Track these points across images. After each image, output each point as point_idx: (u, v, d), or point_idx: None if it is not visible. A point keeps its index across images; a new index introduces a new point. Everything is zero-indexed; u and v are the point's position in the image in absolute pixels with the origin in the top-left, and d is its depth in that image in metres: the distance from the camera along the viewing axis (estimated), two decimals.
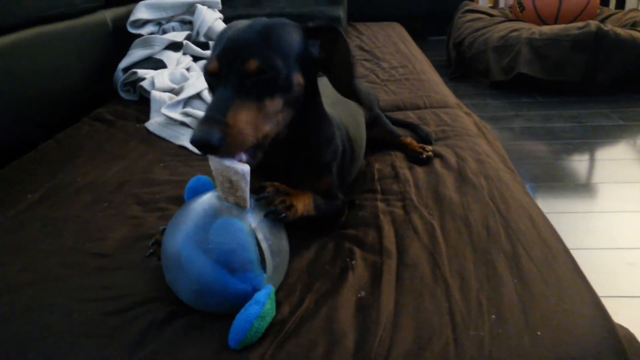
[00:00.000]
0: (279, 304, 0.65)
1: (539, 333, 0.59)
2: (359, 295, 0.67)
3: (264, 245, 0.63)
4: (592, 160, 1.89)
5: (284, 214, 0.68)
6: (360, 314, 0.63)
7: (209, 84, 0.68)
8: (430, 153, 1.10)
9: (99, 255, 0.79)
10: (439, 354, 0.57)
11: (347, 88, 0.75)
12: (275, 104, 0.66)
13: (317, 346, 0.58)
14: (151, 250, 0.71)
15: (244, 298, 0.61)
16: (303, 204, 0.73)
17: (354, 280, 0.69)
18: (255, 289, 0.61)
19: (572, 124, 2.18)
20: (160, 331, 0.62)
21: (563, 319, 0.62)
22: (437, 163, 1.06)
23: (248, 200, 0.64)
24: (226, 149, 0.59)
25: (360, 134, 1.03)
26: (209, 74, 0.66)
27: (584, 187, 1.66)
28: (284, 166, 0.78)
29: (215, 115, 0.59)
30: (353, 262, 0.73)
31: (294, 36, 0.69)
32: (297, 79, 0.69)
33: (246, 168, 0.61)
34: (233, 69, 0.63)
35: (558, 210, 1.51)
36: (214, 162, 0.62)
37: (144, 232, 0.85)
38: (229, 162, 0.60)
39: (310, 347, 0.58)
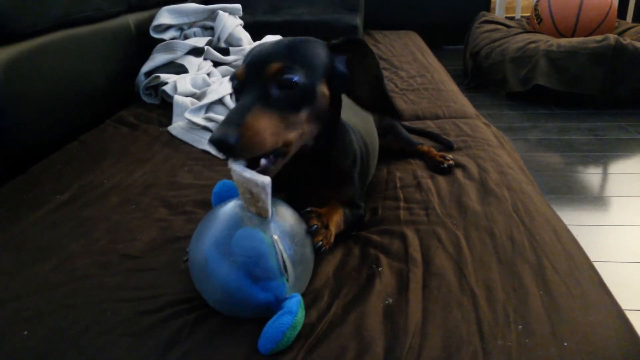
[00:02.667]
0: (306, 309, 0.66)
1: (565, 344, 0.60)
2: (386, 302, 0.68)
3: (285, 255, 0.64)
4: (609, 173, 1.89)
5: (324, 248, 0.72)
6: (389, 321, 0.64)
7: (235, 90, 0.70)
8: (451, 162, 1.10)
9: (130, 256, 0.80)
10: None
11: (376, 99, 0.75)
12: (299, 115, 0.67)
13: (347, 351, 0.59)
14: (187, 257, 0.73)
15: (266, 306, 0.63)
16: (336, 225, 0.76)
17: (381, 287, 0.70)
18: (278, 298, 0.63)
19: (588, 137, 2.18)
20: (193, 332, 0.63)
21: (589, 330, 0.63)
22: (459, 173, 1.07)
23: (269, 211, 0.65)
24: (242, 150, 0.60)
25: (372, 136, 1.04)
26: (236, 78, 0.68)
27: (600, 200, 1.67)
28: (305, 176, 0.80)
29: (234, 118, 0.61)
30: (379, 269, 0.74)
31: (318, 51, 0.71)
32: (322, 91, 0.70)
33: (266, 180, 0.62)
34: (258, 75, 0.66)
35: (576, 223, 1.51)
36: (235, 173, 0.63)
37: (172, 235, 0.87)
38: (249, 174, 0.62)
39: (341, 353, 0.59)
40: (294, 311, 0.61)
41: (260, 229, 0.64)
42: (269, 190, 0.63)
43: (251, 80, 0.66)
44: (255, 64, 0.67)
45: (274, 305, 0.63)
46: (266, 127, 0.63)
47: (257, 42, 1.79)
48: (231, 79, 0.70)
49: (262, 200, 0.64)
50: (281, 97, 0.65)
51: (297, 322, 0.61)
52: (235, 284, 0.62)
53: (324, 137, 0.75)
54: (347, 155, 0.83)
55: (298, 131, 0.68)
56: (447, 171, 1.08)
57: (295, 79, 0.66)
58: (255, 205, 0.65)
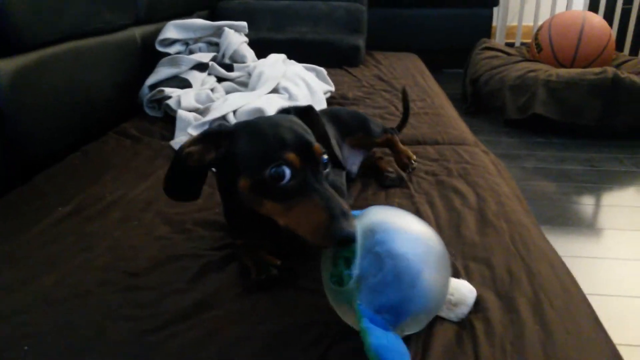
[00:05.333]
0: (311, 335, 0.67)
1: None
2: None
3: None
4: (604, 205, 1.91)
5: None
6: None
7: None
8: (393, 175, 1.18)
9: (131, 274, 0.81)
10: None
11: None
12: None
13: None
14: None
15: None
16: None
17: None
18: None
19: (585, 167, 2.21)
20: (196, 351, 0.64)
21: None
22: (457, 201, 1.08)
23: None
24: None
25: None
26: (291, 165, 0.68)
27: (594, 232, 1.68)
28: None
29: (342, 208, 0.64)
30: None
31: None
32: None
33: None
34: (309, 160, 0.69)
35: (571, 254, 1.52)
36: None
37: (173, 254, 0.87)
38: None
39: None
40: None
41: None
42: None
43: (305, 164, 0.69)
44: (304, 150, 0.69)
45: None
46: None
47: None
48: (280, 166, 0.67)
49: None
50: (327, 173, 0.72)
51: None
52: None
53: None
54: None
55: None
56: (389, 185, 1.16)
57: (325, 159, 0.72)
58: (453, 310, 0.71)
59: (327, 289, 0.67)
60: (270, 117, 0.78)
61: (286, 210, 0.68)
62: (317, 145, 0.71)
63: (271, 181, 0.67)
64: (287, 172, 0.67)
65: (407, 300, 0.61)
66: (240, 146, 0.72)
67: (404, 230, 0.65)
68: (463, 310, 0.71)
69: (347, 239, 0.61)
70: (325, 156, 0.72)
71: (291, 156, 0.67)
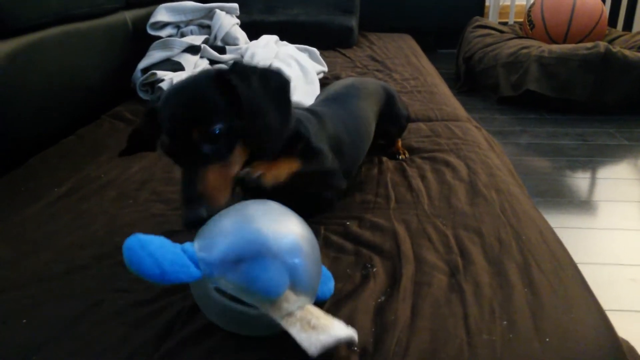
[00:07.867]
0: None
1: (547, 339, 0.63)
2: (379, 300, 0.70)
3: None
4: (596, 178, 1.92)
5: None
6: (379, 317, 0.66)
7: (167, 153, 0.70)
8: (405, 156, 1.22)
9: None
10: (454, 355, 0.60)
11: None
12: (235, 150, 0.69)
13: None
14: None
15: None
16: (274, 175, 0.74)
17: (374, 287, 0.72)
18: None
19: (577, 142, 2.22)
20: (188, 321, 0.65)
21: (570, 327, 0.65)
22: (448, 174, 1.10)
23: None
24: (213, 212, 0.63)
25: (359, 124, 1.07)
26: (165, 147, 0.68)
27: (587, 204, 1.70)
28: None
29: (192, 193, 0.64)
30: (374, 269, 0.76)
31: (211, 88, 0.69)
32: (236, 121, 0.69)
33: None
34: (185, 140, 0.66)
35: (562, 225, 1.54)
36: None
37: (169, 229, 0.88)
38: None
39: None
40: None
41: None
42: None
43: (181, 145, 0.67)
44: (177, 131, 0.67)
45: None
46: (219, 181, 0.66)
47: (253, 41, 1.81)
48: (161, 147, 0.70)
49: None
50: (214, 149, 0.67)
51: None
52: None
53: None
54: (301, 135, 0.83)
55: (240, 161, 0.70)
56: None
57: (217, 130, 0.66)
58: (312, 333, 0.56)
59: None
60: (180, 87, 0.70)
61: None
62: (194, 131, 0.65)
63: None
64: (164, 152, 0.69)
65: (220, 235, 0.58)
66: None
67: None
68: (322, 339, 0.54)
69: (187, 225, 0.63)
70: (211, 130, 0.66)
71: (164, 139, 0.68)
